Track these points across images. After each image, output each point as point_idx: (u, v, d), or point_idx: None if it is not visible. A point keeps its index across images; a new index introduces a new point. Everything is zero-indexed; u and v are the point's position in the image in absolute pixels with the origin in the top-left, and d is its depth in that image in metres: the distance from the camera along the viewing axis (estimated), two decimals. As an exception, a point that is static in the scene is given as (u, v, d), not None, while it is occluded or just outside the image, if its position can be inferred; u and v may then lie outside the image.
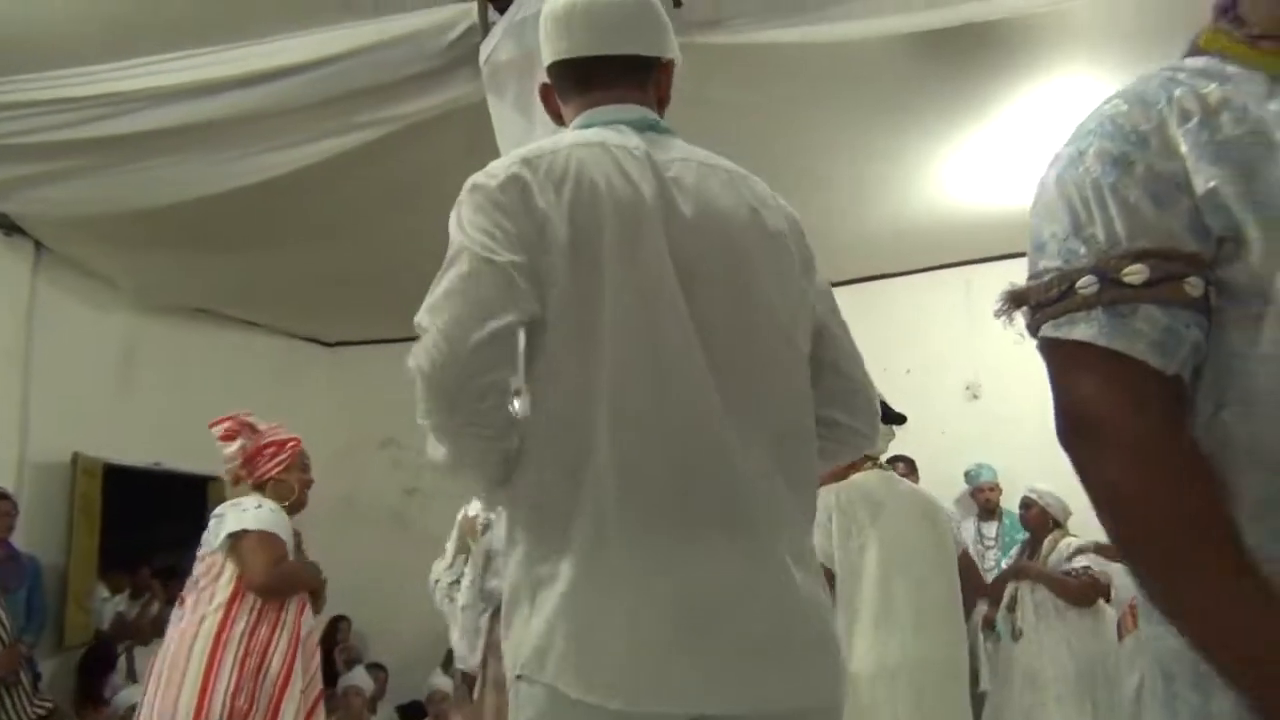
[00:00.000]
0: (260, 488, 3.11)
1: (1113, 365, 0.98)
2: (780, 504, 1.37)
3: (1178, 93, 1.03)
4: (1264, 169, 0.97)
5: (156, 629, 6.51)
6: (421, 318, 1.33)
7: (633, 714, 1.22)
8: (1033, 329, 1.05)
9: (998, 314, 1.07)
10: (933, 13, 2.77)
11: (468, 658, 3.05)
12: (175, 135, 3.53)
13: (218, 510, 3.09)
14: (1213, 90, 1.03)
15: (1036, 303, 1.04)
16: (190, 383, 6.17)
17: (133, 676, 5.46)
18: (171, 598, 6.99)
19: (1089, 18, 3.36)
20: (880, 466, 3.03)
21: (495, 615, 2.87)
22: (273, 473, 3.11)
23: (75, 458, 5.53)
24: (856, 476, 2.91)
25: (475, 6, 3.03)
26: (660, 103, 1.59)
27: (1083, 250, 1.01)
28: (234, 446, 3.10)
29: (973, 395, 6.06)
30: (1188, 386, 1.00)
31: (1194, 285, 0.98)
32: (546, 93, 1.63)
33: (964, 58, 3.70)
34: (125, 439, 5.81)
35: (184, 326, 6.50)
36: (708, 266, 1.37)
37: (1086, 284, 1.00)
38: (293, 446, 3.18)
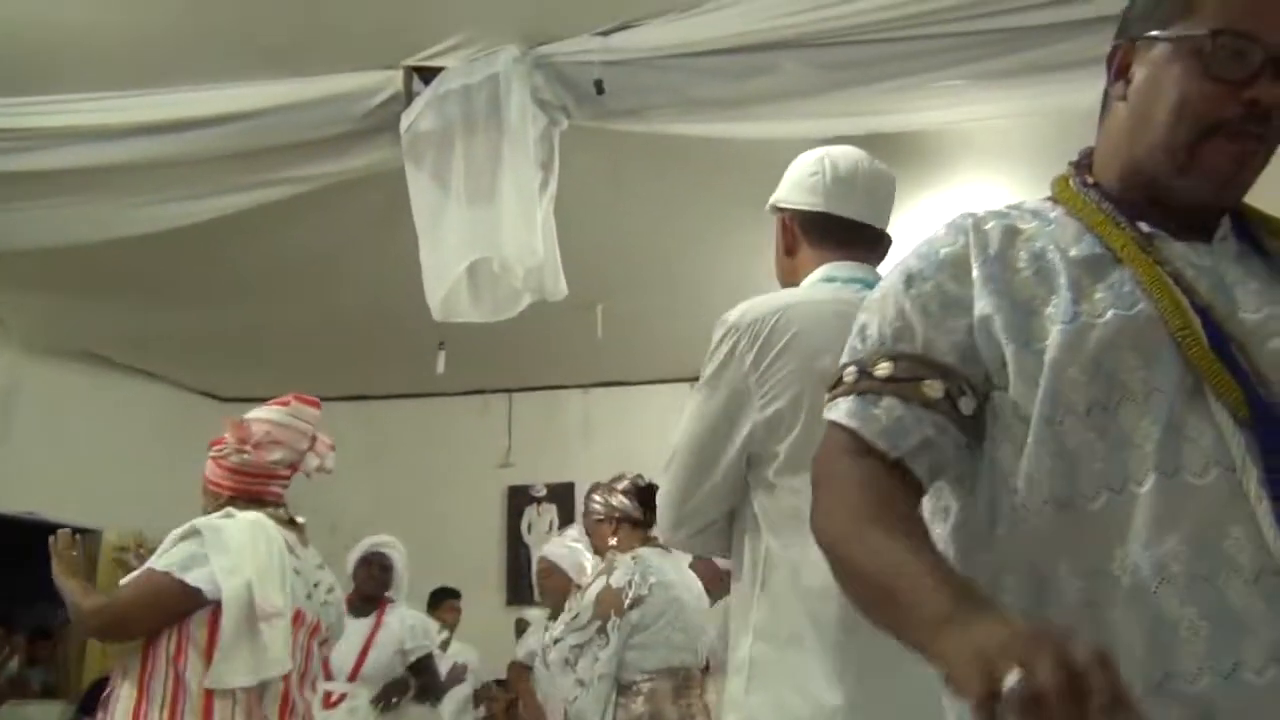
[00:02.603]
0: None
1: (847, 440, 1.10)
2: None
3: (989, 225, 1.15)
4: (1039, 308, 1.07)
5: (15, 689, 6.17)
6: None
7: None
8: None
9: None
10: (845, 120, 2.88)
11: None
12: (82, 176, 3.46)
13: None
14: (1027, 228, 1.14)
15: (828, 389, 1.17)
16: (74, 430, 5.95)
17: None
18: (35, 657, 6.67)
19: (988, 133, 3.54)
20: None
21: (623, 689, 3.11)
22: None
23: (-59, 502, 5.27)
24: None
25: (400, 74, 3.05)
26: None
27: (860, 347, 1.15)
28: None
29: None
30: (918, 478, 1.10)
31: (931, 388, 1.08)
32: (787, 225, 1.87)
33: (872, 163, 3.85)
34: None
35: (71, 371, 6.26)
36: None
37: (849, 374, 1.13)
38: None
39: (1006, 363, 1.07)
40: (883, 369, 1.10)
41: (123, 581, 2.49)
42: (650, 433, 7.23)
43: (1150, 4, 1.16)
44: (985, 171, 3.87)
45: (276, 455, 2.62)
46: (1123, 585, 0.99)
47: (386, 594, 4.46)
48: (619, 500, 3.52)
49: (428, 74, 3.02)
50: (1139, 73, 1.15)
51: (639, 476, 3.60)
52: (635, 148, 3.47)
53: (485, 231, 2.82)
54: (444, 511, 6.81)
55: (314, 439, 2.72)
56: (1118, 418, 1.02)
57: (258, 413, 2.68)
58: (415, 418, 7.20)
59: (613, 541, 3.44)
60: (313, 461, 2.71)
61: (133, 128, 3.23)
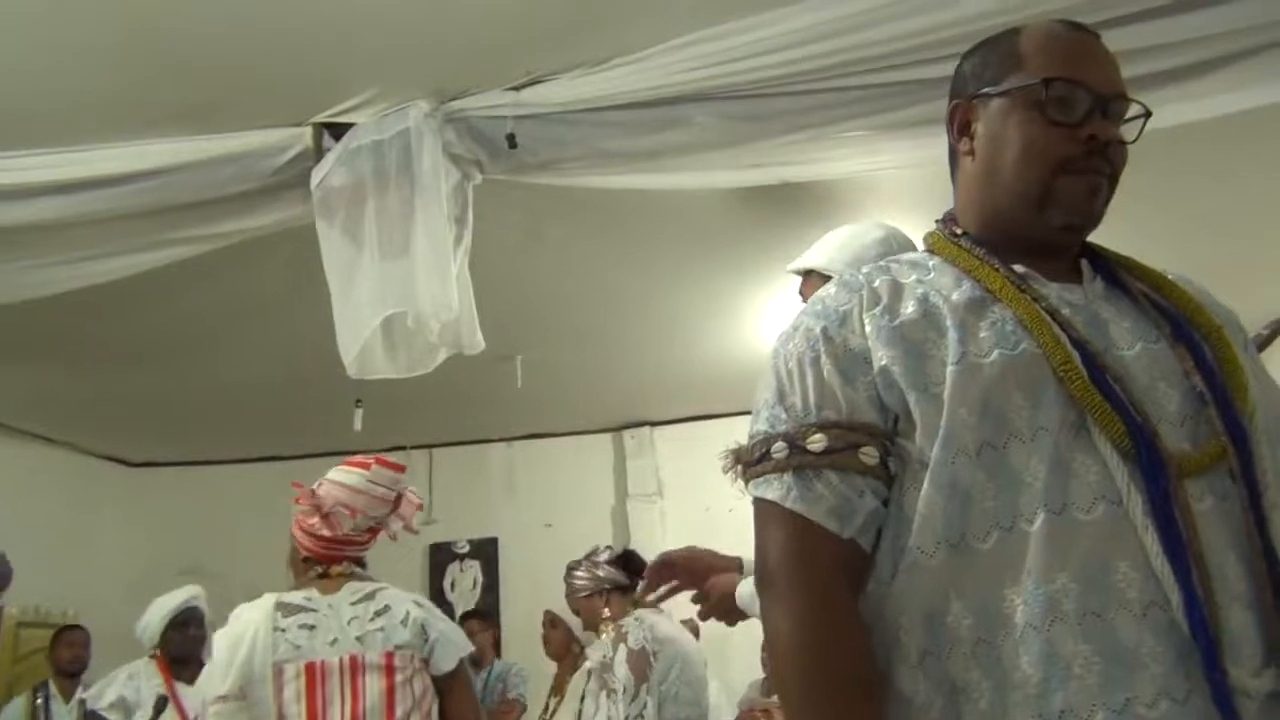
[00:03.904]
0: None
1: (795, 525, 1.10)
2: None
3: (877, 281, 1.19)
4: (931, 352, 1.10)
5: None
6: None
7: None
8: (744, 485, 1.17)
9: (723, 470, 1.19)
10: (755, 171, 2.94)
11: None
12: (-20, 238, 3.36)
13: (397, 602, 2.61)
14: (910, 280, 1.19)
15: (745, 463, 1.16)
16: (-28, 500, 5.72)
17: None
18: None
19: (896, 182, 3.63)
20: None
21: None
22: None
23: None
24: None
25: (309, 131, 3.03)
26: None
27: (783, 417, 1.14)
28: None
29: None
30: (866, 550, 1.11)
31: (868, 454, 1.10)
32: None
33: (785, 212, 3.92)
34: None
35: (-32, 439, 6.06)
36: None
37: (779, 449, 1.12)
38: None
39: (910, 410, 1.09)
40: (816, 441, 1.10)
41: None
42: (574, 483, 7.22)
43: (980, 65, 1.26)
44: (891, 217, 3.94)
45: (348, 526, 2.58)
46: (1016, 623, 1.01)
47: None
48: (606, 571, 3.64)
49: (338, 130, 3.00)
50: (981, 128, 1.23)
51: (609, 548, 3.76)
52: (550, 200, 3.49)
53: (399, 287, 2.79)
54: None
55: (398, 500, 2.66)
56: (1007, 457, 1.05)
57: (334, 475, 2.63)
58: (333, 477, 7.06)
59: (606, 612, 3.54)
60: (396, 524, 2.67)
61: (36, 187, 3.15)
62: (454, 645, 2.61)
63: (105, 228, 3.27)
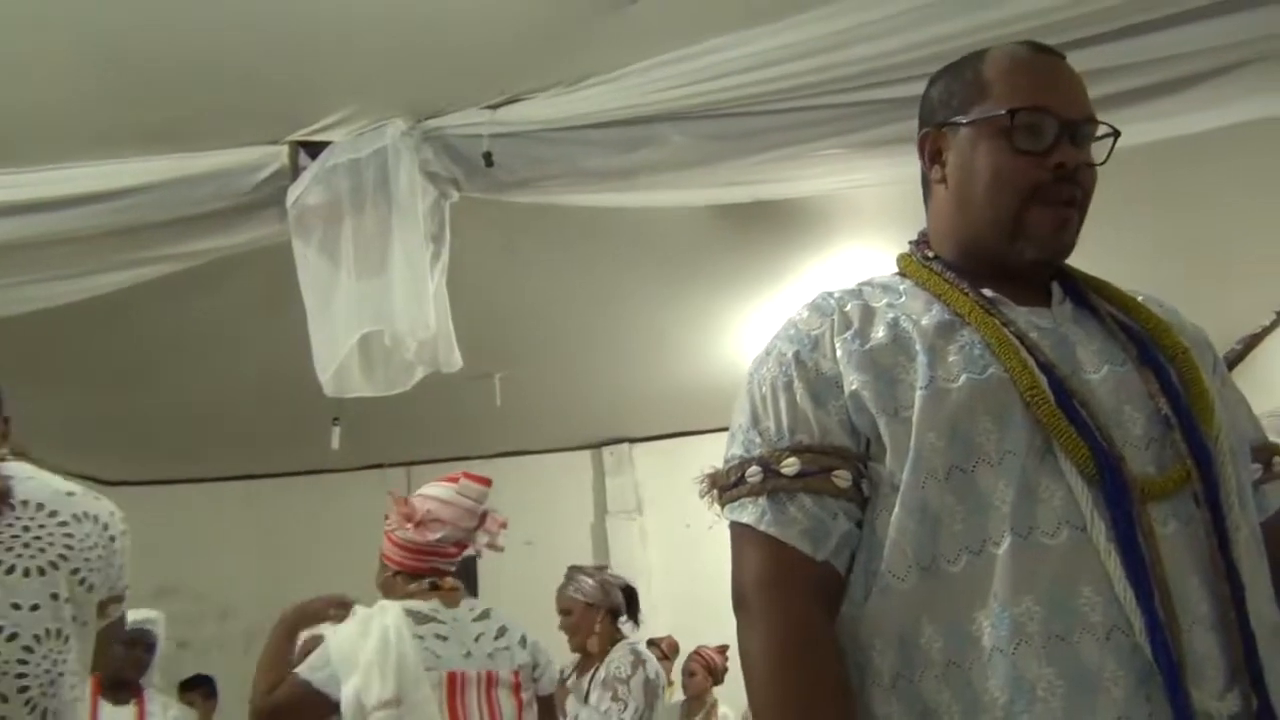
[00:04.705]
0: None
1: (770, 548, 1.11)
2: None
3: (849, 305, 1.20)
4: (901, 376, 1.11)
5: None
6: None
7: None
8: (720, 508, 1.17)
9: (700, 494, 1.19)
10: (731, 189, 2.95)
11: None
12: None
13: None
14: (881, 304, 1.20)
15: (720, 486, 1.17)
16: (-57, 522, 5.64)
17: None
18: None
19: (872, 199, 3.65)
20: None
21: None
22: None
23: None
24: None
25: (285, 149, 3.02)
26: None
27: (758, 441, 1.15)
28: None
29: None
30: (840, 573, 1.12)
31: (841, 478, 1.11)
32: None
33: (762, 230, 3.94)
34: None
35: (-59, 461, 5.98)
36: None
37: (753, 473, 1.13)
38: None
39: (881, 434, 1.10)
40: (789, 465, 1.11)
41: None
42: (553, 500, 7.20)
43: (946, 93, 1.26)
44: (867, 235, 3.99)
45: (439, 534, 2.67)
46: (983, 645, 1.01)
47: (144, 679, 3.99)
48: (616, 596, 3.82)
49: (314, 148, 2.99)
50: (952, 157, 1.24)
51: (619, 576, 3.97)
52: (527, 218, 3.49)
53: (376, 305, 2.78)
54: (343, 589, 6.62)
55: (483, 516, 2.76)
56: (975, 480, 1.05)
57: (426, 489, 2.76)
58: (310, 495, 7.03)
59: (597, 629, 3.71)
60: (482, 539, 2.77)
61: (7, 206, 3.13)
62: (554, 669, 2.82)
63: (79, 246, 3.25)
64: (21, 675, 1.72)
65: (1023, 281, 1.21)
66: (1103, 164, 1.23)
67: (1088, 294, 1.23)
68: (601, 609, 3.76)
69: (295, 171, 3.00)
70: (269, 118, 3.00)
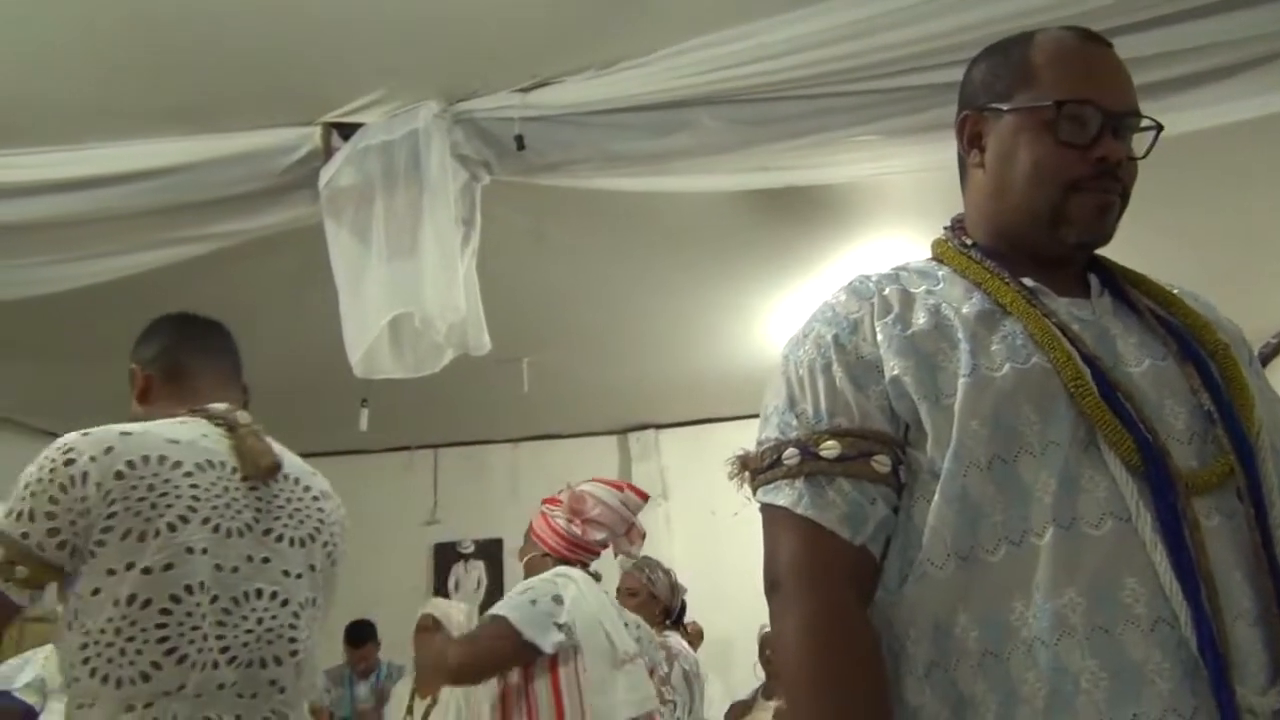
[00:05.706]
0: None
1: (807, 531, 1.09)
2: None
3: (887, 289, 1.18)
4: (943, 364, 1.10)
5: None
6: None
7: None
8: (752, 491, 1.16)
9: (730, 476, 1.18)
10: (762, 174, 2.93)
11: None
12: (-13, 235, 3.37)
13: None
14: (919, 290, 1.18)
15: (754, 469, 1.15)
16: (-18, 497, 5.73)
17: None
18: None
19: (903, 186, 3.63)
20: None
21: None
22: None
23: None
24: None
25: (318, 131, 3.03)
26: None
27: (794, 423, 1.14)
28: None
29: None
30: (876, 558, 1.11)
31: (881, 463, 1.10)
32: None
33: (793, 217, 3.91)
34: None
35: (-20, 436, 6.08)
36: None
37: (790, 455, 1.11)
38: None
39: (921, 420, 1.09)
40: (829, 448, 1.10)
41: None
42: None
43: (989, 77, 1.24)
44: (900, 223, 3.96)
45: (600, 535, 2.89)
46: (1022, 637, 1.00)
47: None
48: (678, 602, 4.02)
49: (346, 130, 3.00)
50: (992, 142, 1.22)
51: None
52: (557, 202, 3.49)
53: (406, 287, 2.79)
54: (369, 570, 6.64)
55: (631, 527, 2.98)
56: (1017, 470, 1.04)
57: (595, 489, 2.93)
58: (337, 476, 6.98)
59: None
60: (625, 546, 3.01)
61: (44, 185, 3.16)
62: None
63: (112, 226, 3.28)
64: (294, 640, 1.75)
65: (1060, 271, 1.19)
66: (1144, 158, 1.21)
67: (1125, 287, 1.21)
68: (662, 604, 3.89)
69: (328, 153, 3.01)
70: (302, 99, 3.01)
